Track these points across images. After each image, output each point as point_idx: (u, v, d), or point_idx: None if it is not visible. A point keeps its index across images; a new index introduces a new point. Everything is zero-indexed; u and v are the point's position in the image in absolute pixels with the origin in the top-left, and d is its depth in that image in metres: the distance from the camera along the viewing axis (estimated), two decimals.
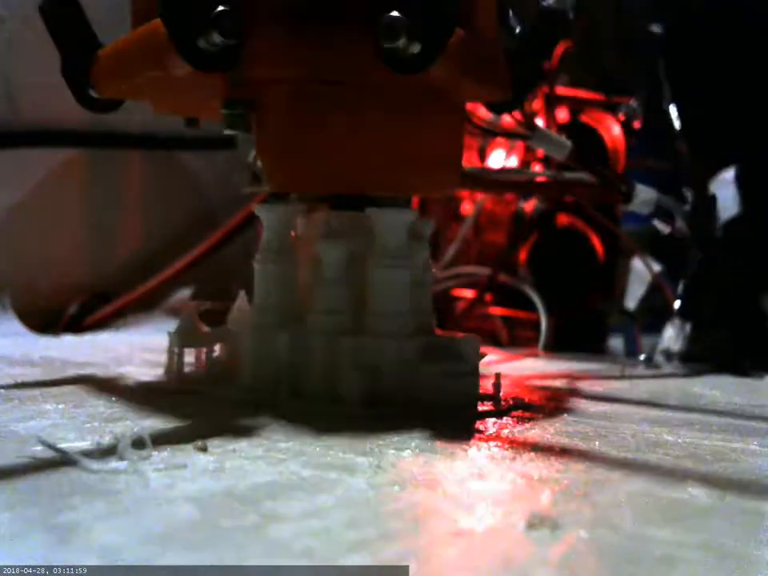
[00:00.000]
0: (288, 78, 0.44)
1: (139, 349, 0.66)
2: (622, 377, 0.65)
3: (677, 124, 0.80)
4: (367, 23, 0.39)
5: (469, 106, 0.55)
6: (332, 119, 0.45)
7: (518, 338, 0.96)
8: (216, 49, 0.39)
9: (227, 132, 0.46)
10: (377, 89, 0.44)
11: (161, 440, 0.34)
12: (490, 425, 0.41)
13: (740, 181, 0.77)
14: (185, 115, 0.54)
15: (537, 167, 0.98)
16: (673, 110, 0.81)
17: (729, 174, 0.79)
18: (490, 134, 0.64)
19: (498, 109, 0.52)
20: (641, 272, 0.96)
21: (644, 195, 0.69)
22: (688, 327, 0.76)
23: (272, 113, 0.45)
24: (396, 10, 0.38)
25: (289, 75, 0.43)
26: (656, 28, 0.84)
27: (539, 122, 0.84)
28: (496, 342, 0.94)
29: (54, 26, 0.49)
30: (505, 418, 0.43)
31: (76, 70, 0.49)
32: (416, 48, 0.38)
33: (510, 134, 0.68)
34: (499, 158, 1.00)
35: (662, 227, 0.72)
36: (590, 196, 0.82)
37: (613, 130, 0.94)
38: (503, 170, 0.87)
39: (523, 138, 0.64)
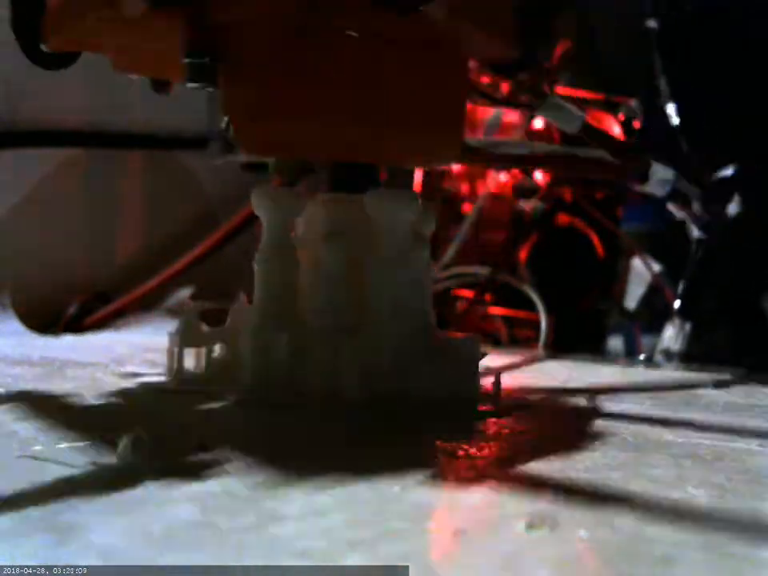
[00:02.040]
0: (264, 19, 0.38)
1: (139, 349, 0.66)
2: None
3: (675, 121, 0.79)
4: None
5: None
6: (317, 69, 0.40)
7: (518, 338, 0.96)
8: None
9: (190, 86, 0.40)
10: (369, 36, 0.40)
11: (161, 440, 0.34)
12: (490, 425, 0.41)
13: (739, 179, 0.77)
14: (149, 74, 0.49)
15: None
16: (671, 107, 0.80)
17: (727, 172, 0.79)
18: (492, 102, 0.56)
19: (504, 69, 0.47)
20: (641, 272, 0.96)
21: (661, 174, 0.64)
22: (688, 327, 0.76)
23: (244, 61, 0.40)
24: None
25: (265, 13, 0.38)
26: (652, 23, 0.83)
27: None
28: (496, 342, 0.94)
29: None
30: (505, 417, 0.43)
31: (25, 23, 0.44)
32: None
33: (515, 103, 0.60)
34: None
35: (677, 211, 0.69)
36: (602, 173, 0.75)
37: (613, 130, 0.94)
38: (507, 143, 0.79)
39: (531, 108, 0.58)
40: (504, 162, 0.73)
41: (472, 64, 0.47)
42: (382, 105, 0.42)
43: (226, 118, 0.44)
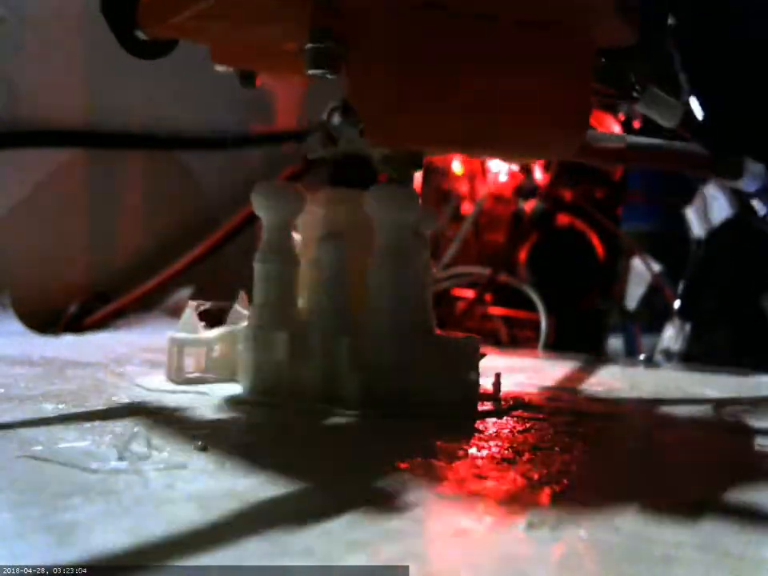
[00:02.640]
0: (396, 4, 0.37)
1: (139, 349, 0.66)
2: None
3: (699, 115, 0.78)
4: None
5: None
6: (453, 59, 0.39)
7: (518, 338, 0.96)
8: None
9: (311, 73, 0.38)
10: (498, 22, 0.39)
11: (161, 440, 0.34)
12: (490, 425, 0.41)
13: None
14: (243, 66, 0.47)
15: (537, 168, 0.98)
16: (693, 101, 0.79)
17: None
18: (599, 95, 0.54)
19: (621, 56, 0.44)
20: (641, 272, 0.97)
21: (754, 169, 0.62)
22: (688, 327, 0.76)
23: (377, 50, 0.38)
24: None
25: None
26: (669, 19, 0.83)
27: None
28: (496, 342, 0.94)
29: None
30: (505, 417, 0.43)
31: (119, 8, 0.41)
32: None
33: (614, 95, 0.54)
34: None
35: (761, 207, 0.67)
36: (698, 168, 0.71)
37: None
38: (602, 136, 0.73)
39: (634, 100, 0.53)
40: (604, 156, 0.69)
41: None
42: (512, 95, 0.41)
43: (329, 109, 0.43)
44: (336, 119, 0.44)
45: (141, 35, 0.42)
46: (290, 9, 0.37)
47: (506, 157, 0.42)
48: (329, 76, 0.39)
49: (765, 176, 0.64)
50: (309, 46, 0.38)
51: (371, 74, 0.39)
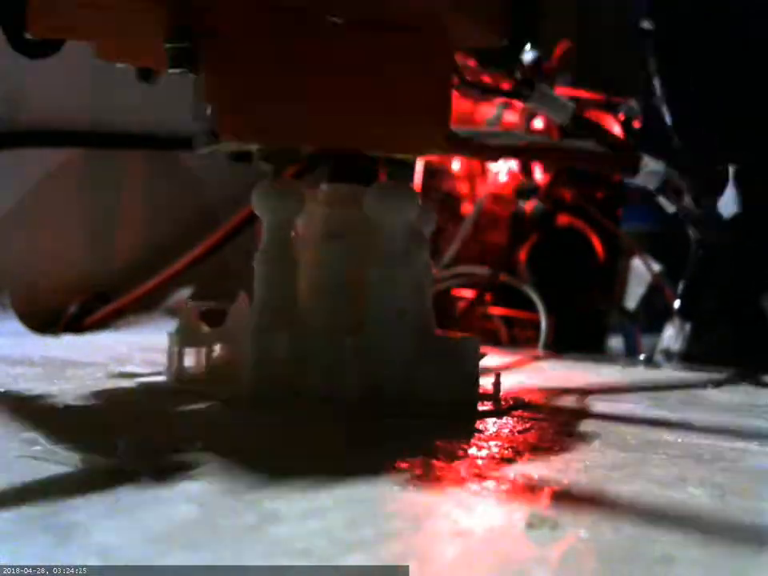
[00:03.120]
0: (243, 5, 0.38)
1: (139, 349, 0.66)
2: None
3: (669, 120, 0.79)
4: None
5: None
6: (302, 54, 0.40)
7: (518, 338, 0.96)
8: None
9: (171, 71, 0.39)
10: (353, 20, 0.40)
11: (161, 440, 0.34)
12: (490, 425, 0.41)
13: (738, 180, 0.77)
14: (135, 63, 0.48)
15: (537, 168, 0.98)
16: (665, 107, 0.80)
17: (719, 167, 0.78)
18: (480, 91, 0.55)
19: (490, 58, 0.46)
20: (641, 272, 0.96)
21: (652, 166, 0.63)
22: (688, 327, 0.76)
23: (226, 45, 0.39)
24: None
25: None
26: (646, 24, 0.83)
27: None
28: (496, 342, 0.94)
29: None
30: (505, 417, 0.43)
31: (9, 10, 0.42)
32: None
33: (504, 93, 0.59)
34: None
35: (668, 205, 0.68)
36: (593, 165, 0.75)
37: (613, 130, 0.94)
38: (497, 134, 0.78)
39: (521, 97, 0.56)
40: (494, 153, 0.72)
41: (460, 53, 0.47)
42: (368, 92, 0.42)
43: (210, 106, 0.43)
44: None
45: (29, 35, 0.43)
46: (146, 9, 0.38)
47: (379, 153, 0.43)
48: (190, 74, 0.40)
49: (665, 173, 0.64)
50: (167, 45, 0.39)
51: (220, 70, 0.40)
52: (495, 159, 0.88)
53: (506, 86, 0.57)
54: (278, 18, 0.39)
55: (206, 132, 0.44)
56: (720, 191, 0.74)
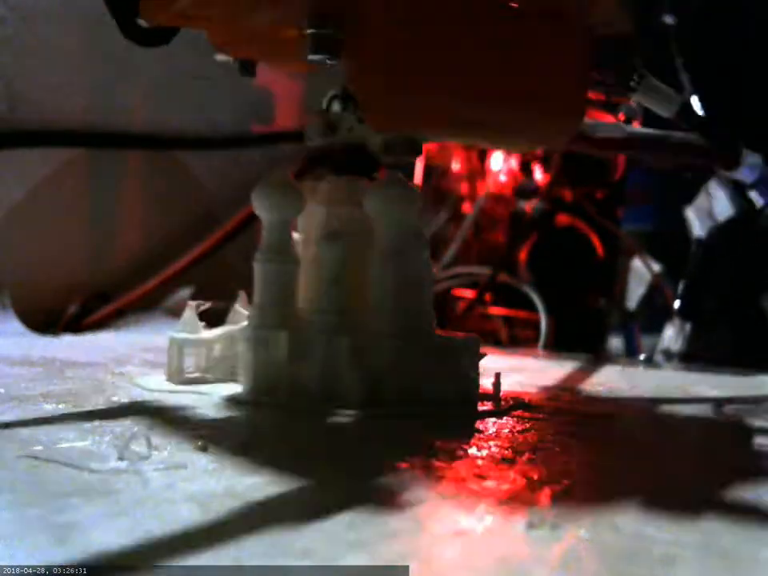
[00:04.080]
0: None
1: (139, 349, 0.66)
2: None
3: (700, 114, 0.78)
4: None
5: None
6: (449, 44, 0.39)
7: (518, 338, 0.96)
8: None
9: (311, 58, 0.38)
10: (497, 12, 0.39)
11: (161, 440, 0.34)
12: (490, 425, 0.41)
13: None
14: (241, 54, 0.47)
15: (537, 168, 0.98)
16: (694, 101, 0.79)
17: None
18: (597, 86, 0.52)
19: (620, 45, 0.45)
20: (641, 272, 0.97)
21: (751, 160, 0.63)
22: (688, 327, 0.76)
23: (373, 33, 0.38)
24: None
25: None
26: (668, 19, 0.83)
27: None
28: (496, 342, 0.94)
29: None
30: (505, 417, 0.43)
31: None
32: None
33: (614, 85, 0.55)
34: (499, 158, 1.00)
35: (758, 199, 0.67)
36: (695, 158, 0.73)
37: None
38: (603, 126, 0.76)
39: (631, 90, 0.54)
40: (604, 146, 0.71)
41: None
42: (509, 82, 0.41)
43: (329, 97, 0.44)
44: (336, 107, 0.45)
45: (142, 23, 0.42)
46: None
47: (503, 145, 0.42)
48: (329, 61, 0.39)
49: (762, 167, 0.64)
50: (310, 31, 0.38)
51: (369, 59, 0.39)
52: (612, 152, 0.86)
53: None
54: (422, 6, 0.38)
55: (323, 124, 0.43)
56: None
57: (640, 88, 0.53)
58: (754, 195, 0.67)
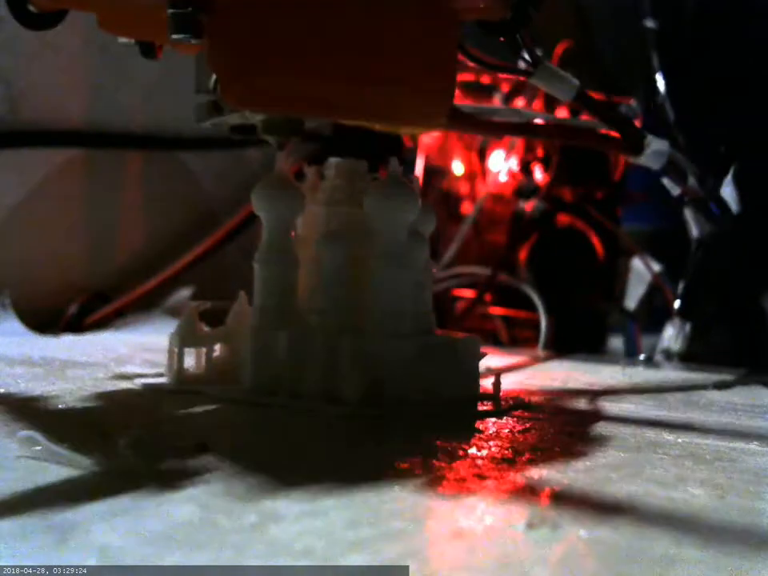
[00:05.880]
0: None
1: (139, 349, 0.66)
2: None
3: (672, 119, 0.78)
4: None
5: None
6: (308, 21, 0.40)
7: (518, 338, 0.96)
8: None
9: (174, 38, 0.39)
10: None
11: (161, 440, 0.34)
12: (490, 425, 0.41)
13: (739, 179, 0.77)
14: (137, 36, 0.48)
15: (537, 168, 0.98)
16: (668, 106, 0.79)
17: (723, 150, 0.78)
18: (485, 67, 0.53)
19: (494, 29, 0.45)
20: (641, 272, 0.96)
21: (656, 145, 0.62)
22: (688, 327, 0.76)
23: (230, 11, 0.39)
24: None
25: None
26: (650, 23, 0.83)
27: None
28: (496, 342, 0.94)
29: None
30: (505, 417, 0.43)
31: None
32: None
33: (507, 69, 0.56)
34: (499, 158, 1.00)
35: (672, 187, 0.67)
36: (597, 144, 0.72)
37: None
38: (500, 110, 0.76)
39: (524, 74, 0.54)
40: (496, 130, 0.70)
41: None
42: (371, 61, 0.41)
43: (213, 77, 0.44)
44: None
45: (32, 8, 0.43)
46: None
47: (379, 124, 0.43)
48: (192, 41, 0.40)
49: (671, 153, 0.63)
50: (169, 11, 0.39)
51: (226, 37, 0.40)
52: (498, 136, 0.86)
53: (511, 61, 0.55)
54: None
55: (209, 104, 0.44)
56: (724, 173, 0.73)
57: (536, 72, 0.53)
58: (667, 183, 0.67)
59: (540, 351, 0.85)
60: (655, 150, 0.62)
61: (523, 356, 0.78)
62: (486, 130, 0.71)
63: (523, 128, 0.69)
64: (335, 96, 0.42)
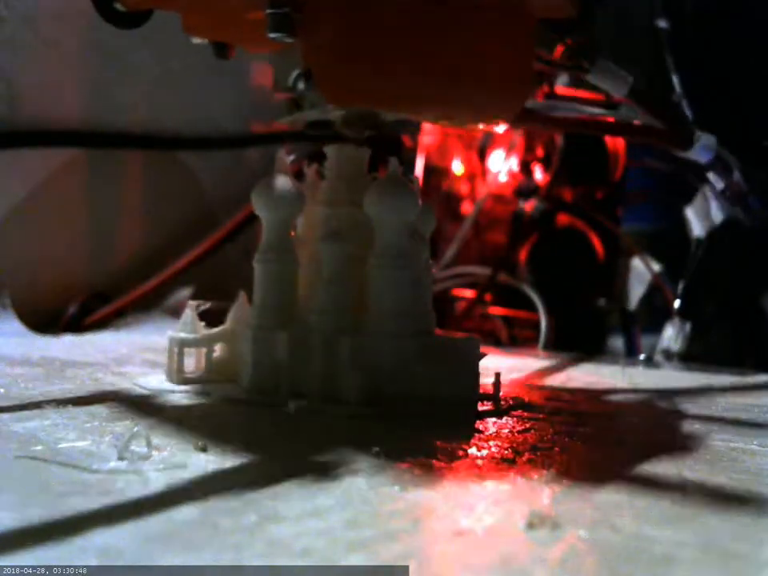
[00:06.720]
0: None
1: (139, 349, 0.66)
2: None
3: (690, 116, 0.78)
4: None
5: None
6: (401, 20, 0.42)
7: (518, 338, 0.96)
8: None
9: (271, 36, 0.41)
10: None
11: (161, 440, 0.34)
12: (490, 425, 0.41)
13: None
14: (214, 37, 0.49)
15: (537, 168, 0.98)
16: (685, 104, 0.79)
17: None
18: (546, 64, 0.53)
19: (561, 27, 0.46)
20: (641, 272, 0.97)
21: (704, 140, 0.64)
22: (688, 327, 0.76)
23: (326, 8, 0.41)
24: None
25: None
26: (662, 23, 0.83)
27: None
28: (496, 342, 0.94)
29: None
30: (505, 417, 0.43)
31: None
32: None
33: (567, 66, 0.56)
34: (499, 158, 1.00)
35: (717, 180, 0.68)
36: (649, 139, 0.74)
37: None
38: (561, 105, 0.76)
39: (583, 71, 0.55)
40: (558, 124, 0.72)
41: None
42: (455, 60, 0.43)
43: (294, 75, 0.46)
44: (300, 86, 0.47)
45: (119, 7, 0.44)
46: None
47: (453, 121, 0.44)
48: (287, 39, 0.42)
49: (718, 148, 0.64)
50: (268, 11, 0.41)
51: (321, 33, 0.42)
52: (561, 131, 0.88)
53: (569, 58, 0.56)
54: None
55: (289, 101, 0.46)
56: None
57: (593, 69, 0.54)
58: (712, 177, 0.68)
59: (540, 351, 0.85)
60: (703, 144, 0.64)
61: (523, 356, 0.78)
62: (549, 124, 0.73)
63: (582, 123, 0.71)
64: (424, 94, 0.43)
